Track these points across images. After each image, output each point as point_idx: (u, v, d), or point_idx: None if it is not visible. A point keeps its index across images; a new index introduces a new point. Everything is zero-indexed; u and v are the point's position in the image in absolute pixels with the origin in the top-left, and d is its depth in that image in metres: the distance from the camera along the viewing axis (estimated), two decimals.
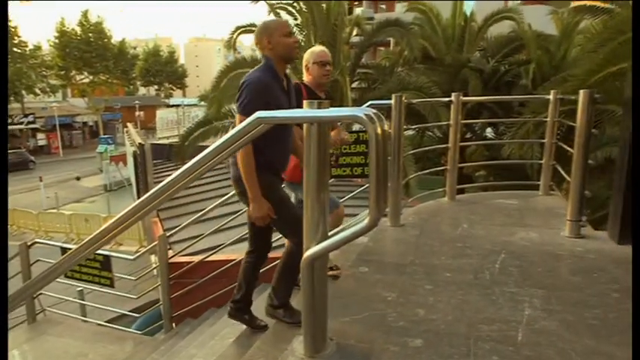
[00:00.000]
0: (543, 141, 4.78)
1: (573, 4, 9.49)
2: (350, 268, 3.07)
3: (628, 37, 4.07)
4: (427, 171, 5.56)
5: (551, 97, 4.55)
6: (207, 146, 1.66)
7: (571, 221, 3.60)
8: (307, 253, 1.74)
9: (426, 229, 3.85)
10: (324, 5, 12.92)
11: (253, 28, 12.62)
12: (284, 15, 12.74)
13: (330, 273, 3.20)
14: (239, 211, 4.27)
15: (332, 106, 1.50)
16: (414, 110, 9.87)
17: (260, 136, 1.75)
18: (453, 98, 4.42)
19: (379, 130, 1.34)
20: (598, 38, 6.99)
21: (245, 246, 2.72)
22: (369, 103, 3.91)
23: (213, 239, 4.77)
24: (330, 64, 3.03)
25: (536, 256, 3.20)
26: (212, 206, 4.25)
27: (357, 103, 11.14)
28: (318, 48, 3.08)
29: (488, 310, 2.43)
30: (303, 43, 12.55)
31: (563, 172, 4.25)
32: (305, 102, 1.44)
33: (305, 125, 1.48)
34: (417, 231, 3.80)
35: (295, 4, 12.76)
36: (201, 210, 4.41)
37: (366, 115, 1.37)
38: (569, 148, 3.86)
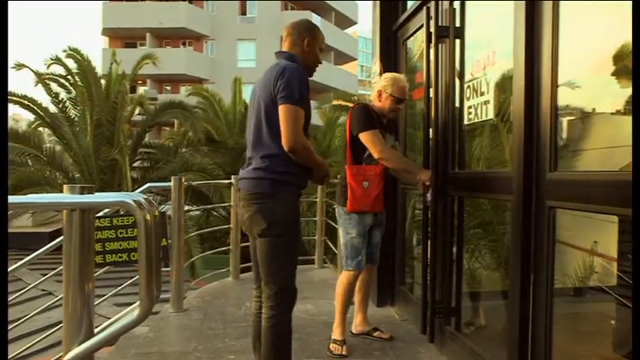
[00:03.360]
0: (315, 219, 5.32)
1: (334, 102, 11.23)
2: None
3: None
4: (211, 251, 5.55)
5: None
6: None
7: None
8: (69, 356, 1.54)
9: (210, 312, 3.79)
10: (103, 81, 12.36)
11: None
12: (55, 87, 11.70)
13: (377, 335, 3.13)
14: None
15: (107, 188, 1.42)
16: (198, 191, 9.92)
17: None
18: (233, 180, 4.63)
19: (148, 217, 1.32)
20: None
21: None
22: (148, 185, 3.81)
23: None
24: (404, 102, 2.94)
25: (313, 326, 3.44)
26: None
27: (139, 182, 10.65)
28: (402, 81, 2.87)
29: None
30: (77, 119, 11.65)
31: (332, 246, 4.77)
32: (66, 186, 1.34)
33: (65, 211, 1.36)
34: (201, 314, 3.71)
35: (69, 76, 11.89)
36: None
37: (134, 201, 1.34)
38: (335, 225, 4.39)
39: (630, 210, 1.57)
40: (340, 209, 2.91)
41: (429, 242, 2.94)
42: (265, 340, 2.10)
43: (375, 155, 2.74)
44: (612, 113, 2.52)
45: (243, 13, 29.73)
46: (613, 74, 2.33)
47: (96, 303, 2.51)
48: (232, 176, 4.68)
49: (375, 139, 2.74)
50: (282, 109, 2.01)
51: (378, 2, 3.90)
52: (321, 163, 2.20)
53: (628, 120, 2.48)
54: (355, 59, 37.40)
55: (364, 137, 2.76)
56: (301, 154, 2.04)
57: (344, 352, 2.86)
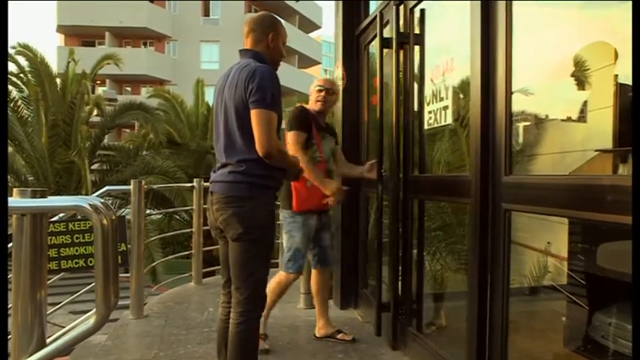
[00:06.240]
0: None
1: (297, 105, 11.17)
2: None
3: None
4: (173, 256, 5.44)
5: None
6: None
7: (304, 294, 4.01)
8: None
9: (171, 318, 3.71)
10: (58, 80, 11.92)
11: None
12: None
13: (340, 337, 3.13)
14: None
15: (64, 191, 1.37)
16: (160, 194, 9.70)
17: None
18: (195, 183, 4.56)
19: (105, 221, 1.28)
20: None
21: None
22: (106, 188, 3.71)
23: None
24: (329, 93, 2.95)
25: (278, 330, 3.41)
26: None
27: (98, 186, 10.32)
28: (324, 77, 3.12)
29: None
30: (30, 119, 11.19)
31: None
32: (16, 190, 1.29)
33: (14, 216, 1.31)
34: (162, 320, 3.63)
35: (22, 75, 11.41)
36: None
37: (90, 204, 1.30)
38: None
39: (579, 212, 1.66)
40: (285, 212, 2.95)
41: (391, 245, 2.98)
42: (232, 346, 2.07)
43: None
44: (563, 120, 2.64)
45: (207, 14, 29.35)
46: (564, 82, 2.44)
47: (50, 311, 2.43)
48: (194, 179, 4.61)
49: (292, 140, 2.83)
50: (254, 114, 1.97)
51: (340, 7, 3.93)
52: (295, 162, 2.22)
53: (577, 126, 2.61)
54: (319, 63, 37.58)
55: (287, 136, 2.86)
56: (276, 158, 2.02)
57: (266, 346, 2.95)
